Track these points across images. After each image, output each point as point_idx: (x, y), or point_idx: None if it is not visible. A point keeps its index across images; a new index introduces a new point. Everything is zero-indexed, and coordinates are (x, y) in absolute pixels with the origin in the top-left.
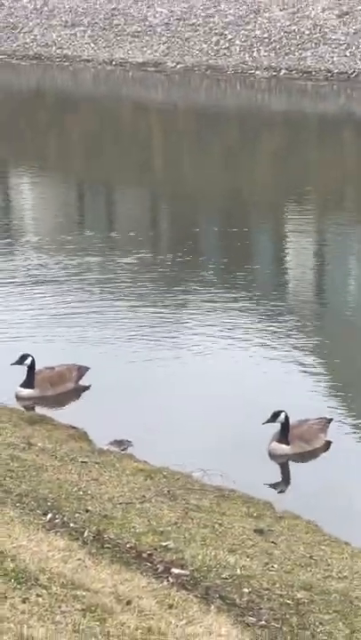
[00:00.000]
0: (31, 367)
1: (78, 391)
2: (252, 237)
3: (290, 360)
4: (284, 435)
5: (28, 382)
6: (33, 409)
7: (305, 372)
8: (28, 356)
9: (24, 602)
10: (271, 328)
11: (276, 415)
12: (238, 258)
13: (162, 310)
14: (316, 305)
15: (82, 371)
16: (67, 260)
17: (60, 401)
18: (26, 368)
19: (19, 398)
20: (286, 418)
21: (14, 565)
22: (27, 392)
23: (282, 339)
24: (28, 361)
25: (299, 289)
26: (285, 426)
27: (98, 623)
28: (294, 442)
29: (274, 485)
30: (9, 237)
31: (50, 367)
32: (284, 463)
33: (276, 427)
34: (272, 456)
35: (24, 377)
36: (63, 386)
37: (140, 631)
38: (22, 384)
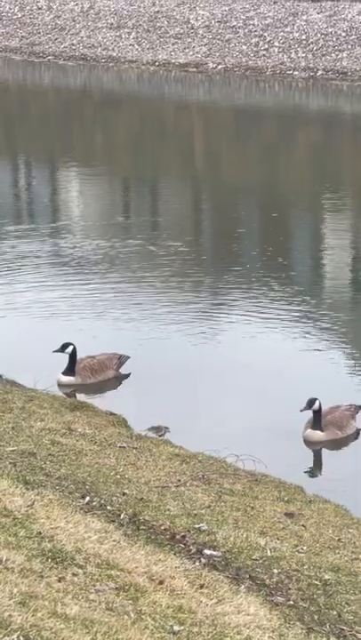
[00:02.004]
0: (72, 355)
1: (119, 379)
2: (290, 230)
3: (322, 348)
4: (318, 421)
5: (70, 370)
6: (74, 396)
7: (336, 360)
8: (70, 344)
9: (60, 581)
10: (305, 318)
11: (311, 402)
12: (276, 249)
13: (200, 299)
14: (351, 296)
15: (122, 359)
16: (110, 248)
17: (100, 388)
18: (67, 356)
19: (60, 385)
20: (319, 405)
21: (51, 546)
22: (67, 379)
23: (315, 328)
24: (70, 349)
25: (334, 280)
26: (318, 413)
27: (130, 601)
28: (328, 428)
29: (305, 470)
30: (55, 225)
31: (91, 356)
32: (316, 449)
33: (308, 413)
34: (307, 442)
35: (66, 364)
36: (104, 374)
37: (170, 609)
38: (64, 371)
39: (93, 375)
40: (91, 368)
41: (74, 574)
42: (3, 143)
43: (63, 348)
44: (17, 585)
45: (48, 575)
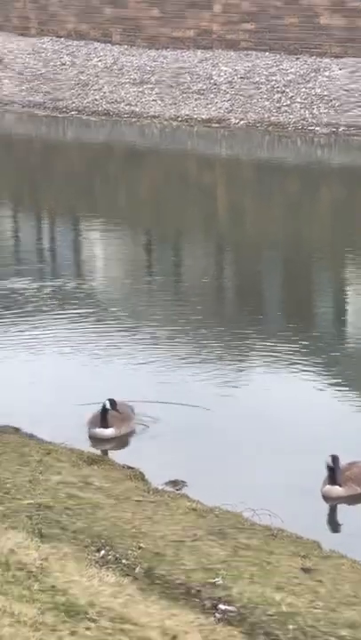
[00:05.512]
0: (106, 408)
1: (138, 431)
2: (313, 285)
3: (341, 402)
4: (337, 477)
5: (105, 422)
6: (106, 450)
7: (355, 414)
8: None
9: (72, 634)
10: (325, 371)
11: (335, 459)
12: (298, 304)
13: (218, 351)
14: None
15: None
16: (131, 298)
17: (117, 441)
18: (101, 409)
19: (100, 439)
20: (338, 460)
21: (65, 599)
22: (110, 432)
23: (334, 382)
24: (107, 404)
25: (357, 334)
26: (337, 468)
27: None
28: (347, 484)
29: (321, 525)
30: (75, 281)
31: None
32: (333, 504)
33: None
34: (326, 498)
35: (99, 418)
36: (128, 425)
37: None
38: (101, 425)
39: (123, 425)
40: (118, 418)
41: (86, 628)
42: (26, 198)
43: (112, 405)
44: (28, 639)
45: (60, 629)
